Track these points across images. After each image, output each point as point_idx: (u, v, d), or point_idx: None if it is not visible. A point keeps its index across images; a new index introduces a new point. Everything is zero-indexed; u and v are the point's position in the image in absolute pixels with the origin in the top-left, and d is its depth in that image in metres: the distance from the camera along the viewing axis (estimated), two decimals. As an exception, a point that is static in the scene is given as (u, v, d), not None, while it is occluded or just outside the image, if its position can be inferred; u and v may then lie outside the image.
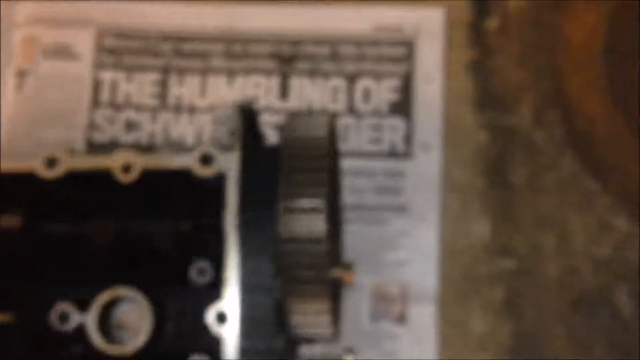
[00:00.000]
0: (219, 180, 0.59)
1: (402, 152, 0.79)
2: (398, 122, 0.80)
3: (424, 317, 0.75)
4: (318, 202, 0.56)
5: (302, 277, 0.56)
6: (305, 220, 0.56)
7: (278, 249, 0.56)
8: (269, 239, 0.56)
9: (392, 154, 0.79)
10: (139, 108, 0.82)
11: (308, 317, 0.58)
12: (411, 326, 0.74)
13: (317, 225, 0.56)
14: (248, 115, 0.62)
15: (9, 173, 0.61)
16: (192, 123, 0.82)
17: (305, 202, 0.56)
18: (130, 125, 0.82)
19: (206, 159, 0.59)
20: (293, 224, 0.56)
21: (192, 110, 0.82)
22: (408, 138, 0.80)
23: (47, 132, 0.82)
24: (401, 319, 0.75)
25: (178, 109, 0.82)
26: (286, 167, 0.57)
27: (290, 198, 0.56)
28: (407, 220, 0.77)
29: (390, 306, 0.75)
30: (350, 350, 0.63)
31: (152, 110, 0.82)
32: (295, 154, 0.58)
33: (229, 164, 0.59)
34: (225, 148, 0.60)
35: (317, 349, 0.65)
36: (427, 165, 0.79)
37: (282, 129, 0.61)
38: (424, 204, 0.77)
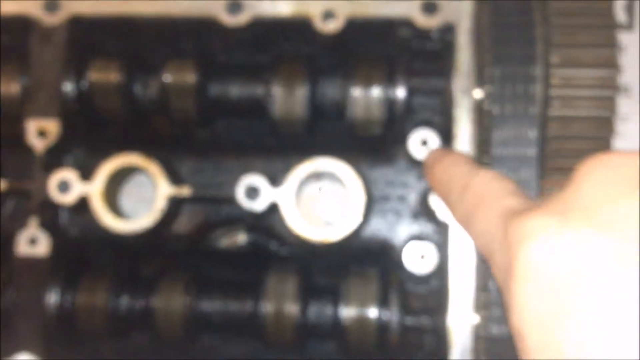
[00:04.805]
0: (445, 34, 0.48)
1: (624, 24, 0.66)
2: (617, -12, 0.66)
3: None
4: (608, 72, 0.44)
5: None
6: (588, 94, 0.44)
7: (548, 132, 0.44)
8: (527, 111, 0.44)
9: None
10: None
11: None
12: None
13: (603, 99, 0.44)
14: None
15: (182, 18, 0.50)
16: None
17: (589, 72, 0.44)
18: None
19: (430, 7, 0.47)
20: (569, 98, 0.44)
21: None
22: (630, 7, 0.66)
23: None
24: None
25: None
26: (560, 23, 0.45)
27: (570, 66, 0.44)
28: (629, 103, 0.64)
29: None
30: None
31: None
32: (571, 7, 0.45)
33: (459, 14, 0.47)
34: (453, -6, 0.48)
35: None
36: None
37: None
38: (652, 84, 0.64)
